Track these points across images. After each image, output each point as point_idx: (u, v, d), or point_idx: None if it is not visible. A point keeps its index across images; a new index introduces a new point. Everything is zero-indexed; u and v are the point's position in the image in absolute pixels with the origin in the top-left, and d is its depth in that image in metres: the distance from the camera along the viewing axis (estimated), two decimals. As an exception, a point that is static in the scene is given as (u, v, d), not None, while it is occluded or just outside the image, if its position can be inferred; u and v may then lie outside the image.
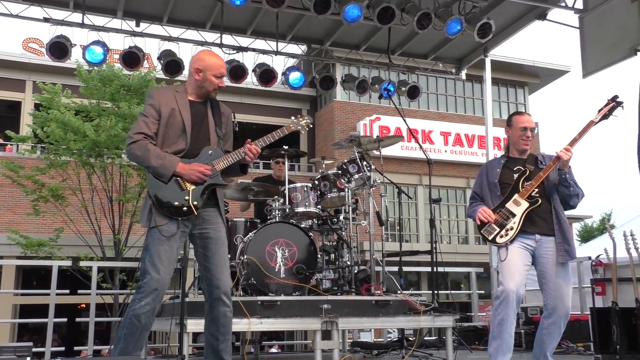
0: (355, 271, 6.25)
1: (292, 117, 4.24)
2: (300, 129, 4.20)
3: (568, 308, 4.29)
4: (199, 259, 3.88)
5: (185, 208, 3.71)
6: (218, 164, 3.82)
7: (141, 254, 3.81)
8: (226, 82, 8.53)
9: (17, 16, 7.80)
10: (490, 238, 4.36)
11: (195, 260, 4.02)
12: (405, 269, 7.03)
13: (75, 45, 7.91)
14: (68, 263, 8.50)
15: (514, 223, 4.31)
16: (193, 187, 3.75)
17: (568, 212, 4.61)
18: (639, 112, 6.35)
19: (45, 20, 7.81)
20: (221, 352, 3.85)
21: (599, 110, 4.37)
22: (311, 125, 4.28)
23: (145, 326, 3.64)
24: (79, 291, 8.49)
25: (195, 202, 3.73)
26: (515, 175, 4.43)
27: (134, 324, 3.62)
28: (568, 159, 4.27)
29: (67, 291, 7.66)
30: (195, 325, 4.73)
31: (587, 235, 31.81)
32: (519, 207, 4.33)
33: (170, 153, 3.75)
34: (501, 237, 4.31)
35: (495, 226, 4.35)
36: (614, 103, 4.34)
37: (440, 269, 6.53)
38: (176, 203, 3.70)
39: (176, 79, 8.91)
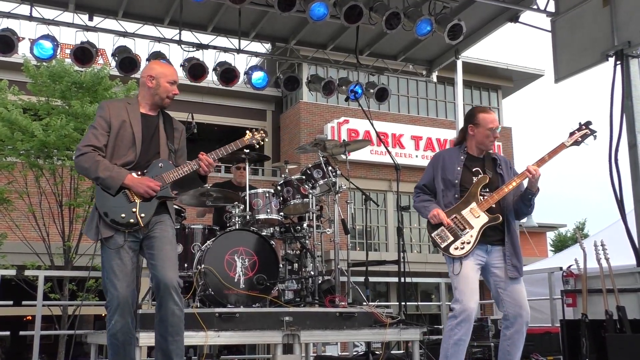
0: (319, 282, 6.27)
1: (247, 132, 4.38)
2: (254, 143, 4.33)
3: (529, 313, 4.36)
4: (147, 261, 3.97)
5: (132, 220, 3.84)
6: (168, 177, 3.96)
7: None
8: (186, 80, 8.53)
9: (-41, 7, 7.65)
10: (442, 246, 4.35)
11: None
12: (373, 279, 7.07)
13: (22, 39, 7.77)
14: (12, 272, 8.34)
15: (471, 237, 4.30)
16: (141, 199, 3.88)
17: (542, 220, 4.72)
18: (610, 121, 6.53)
19: (-10, 12, 7.66)
20: (171, 353, 3.87)
21: (571, 134, 4.39)
22: (266, 140, 4.43)
23: (125, 342, 3.83)
24: (24, 302, 8.29)
25: (142, 215, 3.87)
26: (474, 179, 4.44)
27: (114, 342, 3.82)
28: (535, 180, 4.31)
29: (11, 302, 7.49)
30: (149, 338, 4.69)
31: (561, 244, 32.39)
32: (477, 219, 4.32)
33: (119, 165, 3.88)
34: (456, 249, 4.30)
35: (448, 233, 4.34)
36: (587, 130, 4.38)
37: (409, 280, 6.60)
38: (123, 215, 3.83)
39: (132, 76, 8.84)
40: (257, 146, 4.37)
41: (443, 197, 4.47)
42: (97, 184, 3.89)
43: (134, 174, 3.88)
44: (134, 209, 3.84)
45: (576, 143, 4.39)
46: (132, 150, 3.93)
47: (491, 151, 4.64)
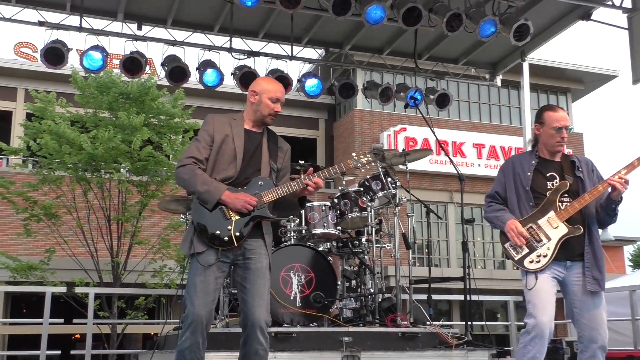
0: (379, 300, 6.26)
1: (353, 154, 4.35)
2: (360, 167, 4.31)
3: (606, 338, 4.20)
4: (238, 291, 4.08)
5: (226, 238, 3.91)
6: (266, 196, 4.01)
7: None
8: (236, 89, 8.67)
9: (10, 19, 7.96)
10: (516, 259, 4.25)
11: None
12: (434, 297, 7.02)
13: (71, 49, 8.02)
14: (62, 289, 8.54)
15: (548, 249, 4.18)
16: (237, 217, 3.95)
17: (619, 233, 4.54)
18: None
19: (40, 23, 7.95)
20: None
21: None
22: (372, 164, 4.39)
23: None
24: (75, 320, 8.51)
25: (237, 233, 3.93)
26: (550, 184, 4.32)
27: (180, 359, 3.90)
28: (624, 191, 4.15)
29: (62, 320, 7.70)
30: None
31: (640, 259, 31.39)
32: (555, 229, 4.21)
33: (218, 180, 3.98)
34: (531, 262, 4.20)
35: (523, 244, 4.25)
36: None
37: (474, 298, 6.52)
38: (217, 232, 3.91)
39: (181, 86, 9.04)
40: (362, 170, 4.39)
41: (517, 205, 4.37)
42: (194, 197, 4.01)
43: (231, 190, 3.95)
44: (229, 227, 3.91)
45: None
46: (233, 166, 4.02)
47: (569, 153, 4.51)
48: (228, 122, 4.15)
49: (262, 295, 3.95)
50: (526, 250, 4.24)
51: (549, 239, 4.21)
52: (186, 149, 4.14)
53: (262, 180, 4.05)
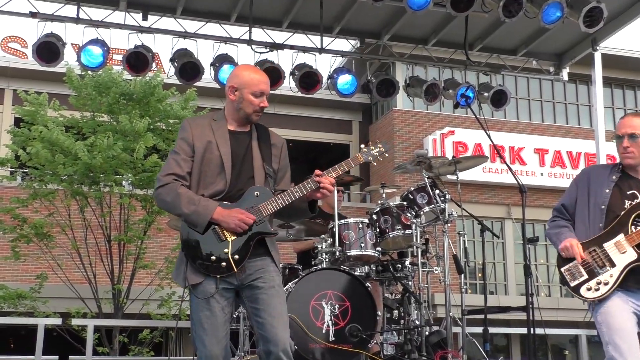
0: (427, 333, 6.25)
1: (362, 145, 4.28)
2: (371, 160, 4.23)
3: None
4: (251, 317, 3.98)
5: (223, 263, 3.85)
6: (266, 208, 3.94)
7: None
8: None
9: (-3, 11, 8.12)
10: (572, 285, 4.26)
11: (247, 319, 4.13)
12: (491, 330, 6.99)
13: (66, 44, 8.10)
14: (57, 321, 8.63)
15: (611, 277, 4.18)
16: (234, 237, 3.88)
17: None
18: None
19: (32, 15, 8.07)
20: None
21: None
22: (386, 155, 4.32)
23: None
24: (71, 357, 8.61)
25: (236, 256, 3.87)
26: (628, 204, 4.30)
27: None
28: None
29: (56, 357, 7.79)
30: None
31: None
32: (622, 254, 4.20)
33: (207, 196, 3.92)
34: (589, 290, 4.20)
35: (582, 270, 4.24)
36: None
37: (539, 331, 6.48)
38: (213, 257, 3.86)
39: (194, 85, 9.10)
40: (375, 163, 4.33)
41: (588, 224, 4.36)
42: (182, 220, 3.96)
43: (223, 206, 3.88)
44: (225, 250, 3.85)
45: None
46: (221, 177, 3.96)
47: None
48: (208, 124, 4.09)
49: (281, 314, 3.88)
50: (585, 277, 4.24)
51: (613, 265, 4.21)
52: (164, 164, 4.07)
53: (258, 190, 3.96)
